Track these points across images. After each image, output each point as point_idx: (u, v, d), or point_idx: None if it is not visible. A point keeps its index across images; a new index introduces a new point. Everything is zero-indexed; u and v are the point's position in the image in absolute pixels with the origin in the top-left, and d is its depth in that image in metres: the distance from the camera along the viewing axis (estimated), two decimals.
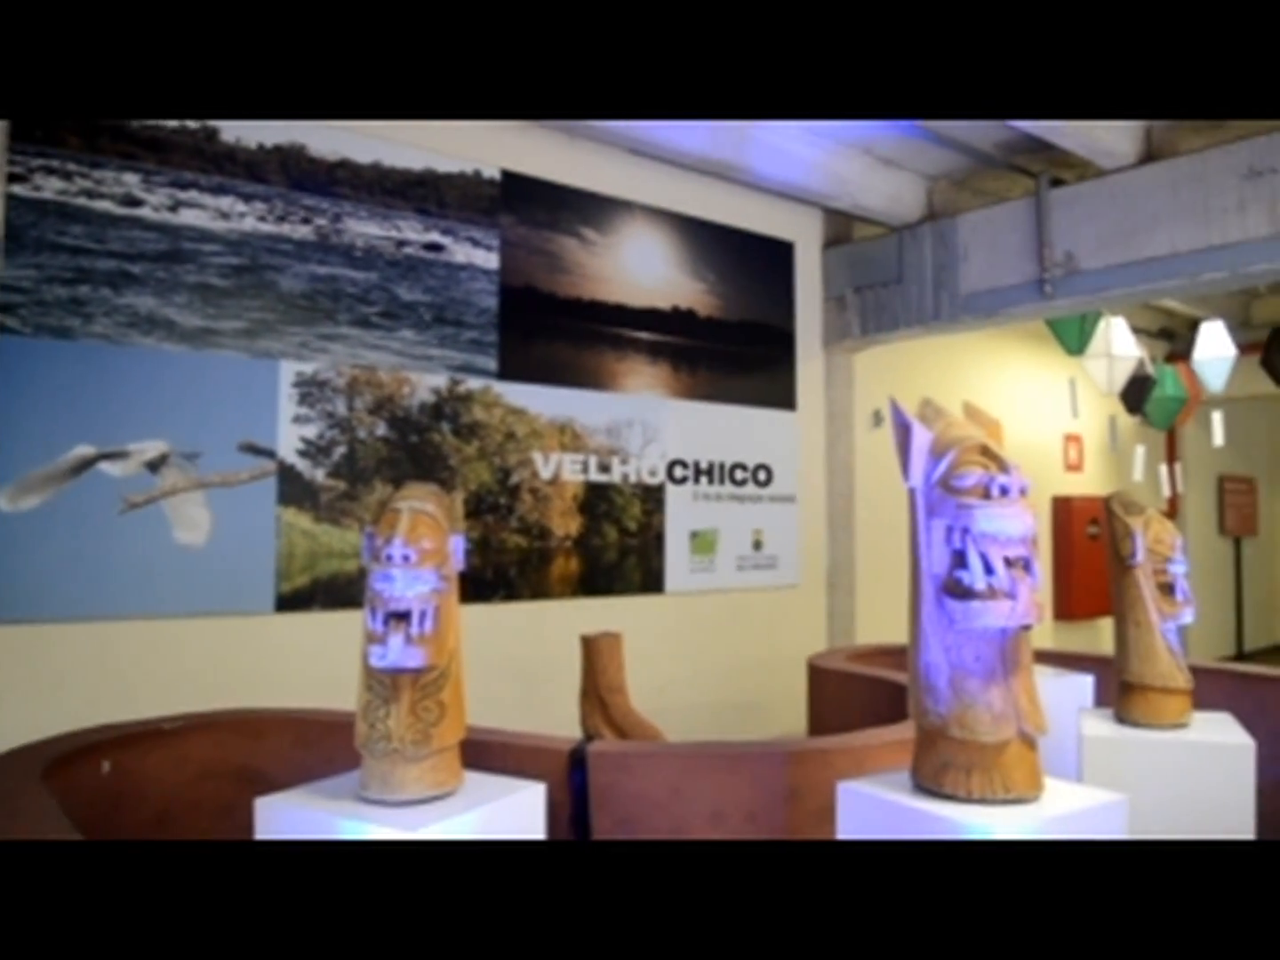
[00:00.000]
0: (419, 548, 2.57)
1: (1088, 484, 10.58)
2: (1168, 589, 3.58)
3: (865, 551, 7.37)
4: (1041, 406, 9.85)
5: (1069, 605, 9.96)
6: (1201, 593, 12.87)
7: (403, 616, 2.55)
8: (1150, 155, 5.94)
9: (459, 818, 2.48)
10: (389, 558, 2.55)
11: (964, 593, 2.43)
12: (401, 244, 5.40)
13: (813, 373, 7.32)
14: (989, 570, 2.40)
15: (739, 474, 6.79)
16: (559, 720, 4.69)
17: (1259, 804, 4.76)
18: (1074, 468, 10.47)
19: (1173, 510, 11.69)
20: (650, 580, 6.29)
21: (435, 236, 5.51)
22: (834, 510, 7.25)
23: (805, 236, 7.39)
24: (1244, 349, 9.35)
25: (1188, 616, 3.58)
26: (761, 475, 6.91)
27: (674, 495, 6.44)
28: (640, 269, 6.39)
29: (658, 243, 6.50)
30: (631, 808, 3.09)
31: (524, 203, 5.88)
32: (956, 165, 6.85)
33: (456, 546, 2.73)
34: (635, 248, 6.39)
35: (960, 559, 2.45)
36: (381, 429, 5.30)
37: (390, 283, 5.35)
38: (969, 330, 7.21)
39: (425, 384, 5.44)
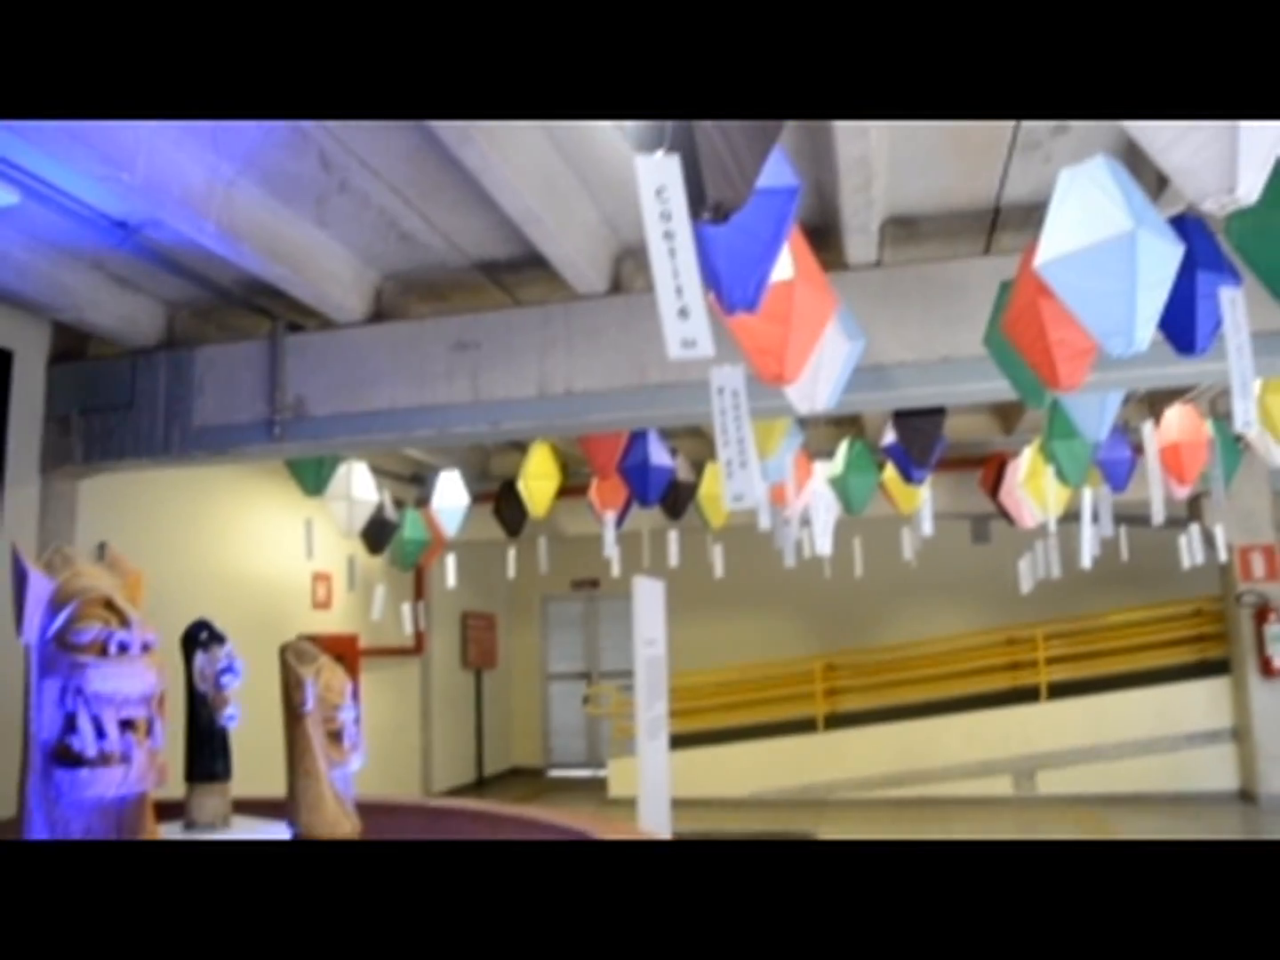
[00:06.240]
0: None
1: (337, 622, 10.82)
2: (336, 736, 3.64)
3: None
4: (288, 544, 9.88)
5: None
6: (445, 722, 13.73)
7: None
8: (380, 315, 6.34)
9: None
10: None
11: (75, 760, 2.22)
12: None
13: (25, 499, 6.55)
14: (101, 734, 2.23)
15: None
16: None
17: None
18: (322, 605, 10.64)
19: (419, 645, 12.39)
20: None
21: None
22: None
23: (28, 346, 6.64)
24: (482, 498, 10.29)
25: (356, 762, 3.67)
26: None
27: None
28: None
29: None
30: None
31: None
32: (198, 296, 6.69)
33: None
34: None
35: (72, 722, 2.24)
36: None
37: None
38: (203, 465, 7.01)
39: None
